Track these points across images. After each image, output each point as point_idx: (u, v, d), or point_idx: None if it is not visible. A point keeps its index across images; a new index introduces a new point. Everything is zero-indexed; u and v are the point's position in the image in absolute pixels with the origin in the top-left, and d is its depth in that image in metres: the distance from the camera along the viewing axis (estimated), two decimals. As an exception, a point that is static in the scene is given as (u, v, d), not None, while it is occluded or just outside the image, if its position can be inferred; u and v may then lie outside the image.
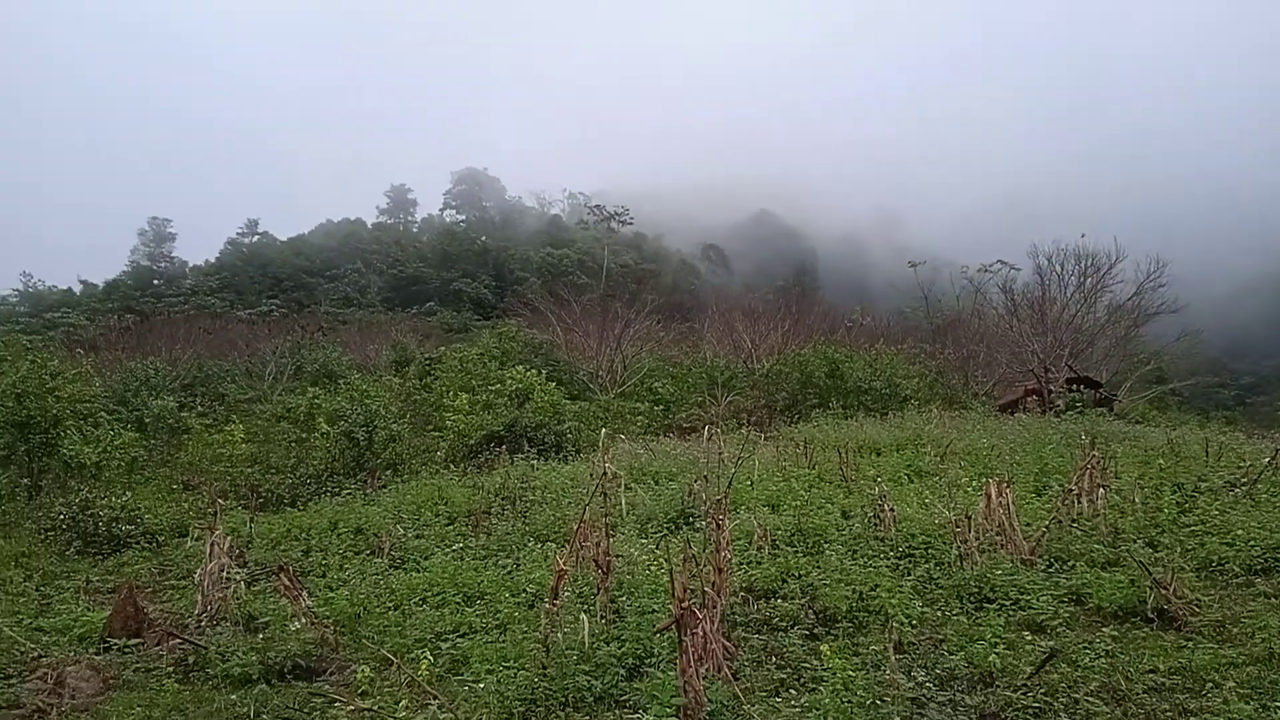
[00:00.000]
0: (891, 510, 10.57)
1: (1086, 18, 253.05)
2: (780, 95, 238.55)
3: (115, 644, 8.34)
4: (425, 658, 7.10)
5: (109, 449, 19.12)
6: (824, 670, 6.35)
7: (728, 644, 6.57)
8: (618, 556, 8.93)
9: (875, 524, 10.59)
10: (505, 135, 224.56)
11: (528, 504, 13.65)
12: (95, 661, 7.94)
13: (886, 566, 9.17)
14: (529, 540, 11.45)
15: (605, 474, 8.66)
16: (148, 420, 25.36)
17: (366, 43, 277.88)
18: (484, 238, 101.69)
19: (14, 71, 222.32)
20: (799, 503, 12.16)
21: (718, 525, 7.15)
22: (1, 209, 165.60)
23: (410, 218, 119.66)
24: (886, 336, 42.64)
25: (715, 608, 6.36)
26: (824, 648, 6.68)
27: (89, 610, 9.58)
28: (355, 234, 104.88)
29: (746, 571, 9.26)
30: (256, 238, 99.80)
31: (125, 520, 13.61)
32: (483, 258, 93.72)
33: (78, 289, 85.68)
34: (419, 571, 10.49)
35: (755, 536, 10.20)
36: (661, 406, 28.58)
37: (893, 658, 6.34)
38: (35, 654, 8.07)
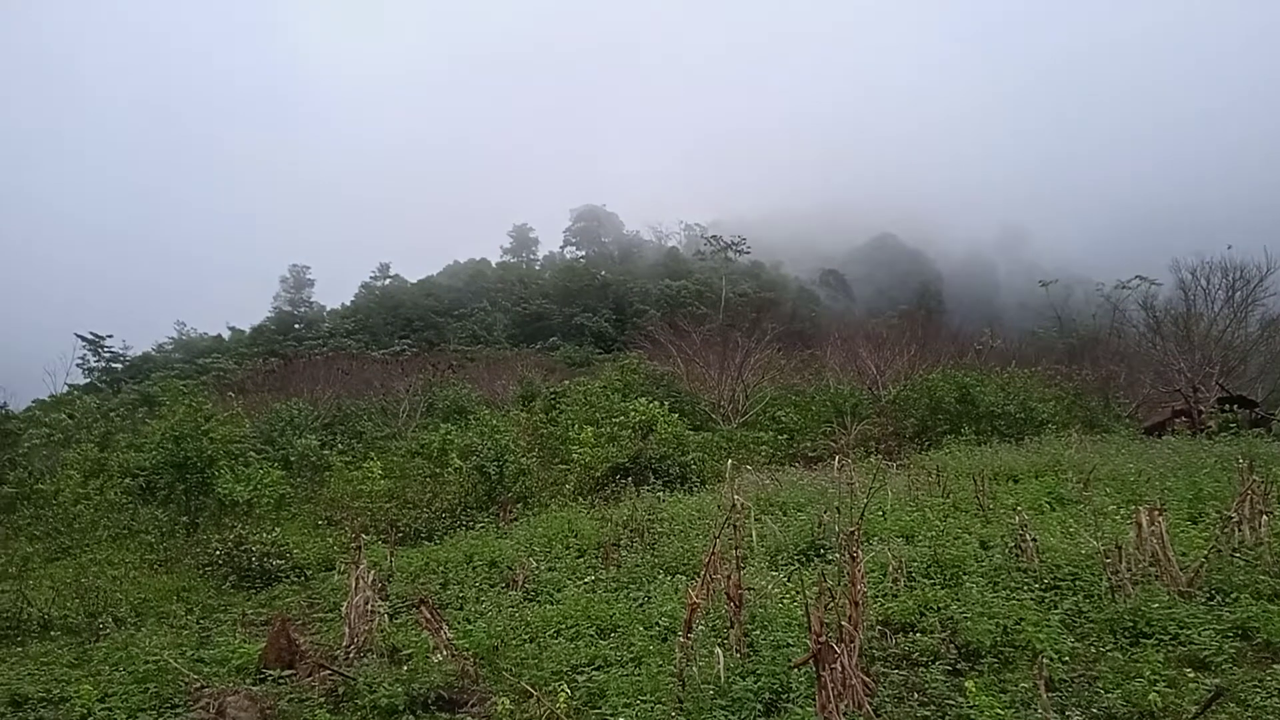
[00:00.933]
0: (1034, 540, 10.16)
1: (1225, 18, 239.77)
2: (899, 115, 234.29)
3: (270, 675, 8.74)
4: (563, 690, 7.22)
5: (259, 487, 20.19)
6: (970, 708, 6.16)
7: (867, 679, 6.43)
8: (749, 589, 8.87)
9: (1017, 554, 10.19)
10: (622, 170, 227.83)
11: (656, 536, 13.71)
12: (252, 692, 8.34)
13: (1031, 599, 8.80)
14: (658, 573, 11.49)
15: (734, 505, 8.65)
16: (292, 458, 26.60)
17: (489, 88, 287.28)
18: (603, 272, 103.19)
19: (165, 143, 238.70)
20: (934, 533, 11.83)
21: (852, 557, 7.03)
22: (159, 267, 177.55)
23: (532, 255, 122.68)
24: (1019, 358, 41.12)
25: (853, 642, 6.25)
26: (969, 684, 6.47)
27: (245, 642, 10.08)
28: (481, 273, 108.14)
29: (882, 604, 9.05)
30: (388, 280, 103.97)
31: (275, 555, 14.31)
32: (603, 292, 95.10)
33: (227, 335, 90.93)
34: (552, 604, 10.66)
35: (890, 568, 9.96)
36: (785, 436, 28.26)
37: (1044, 695, 6.08)
38: (198, 684, 8.52)
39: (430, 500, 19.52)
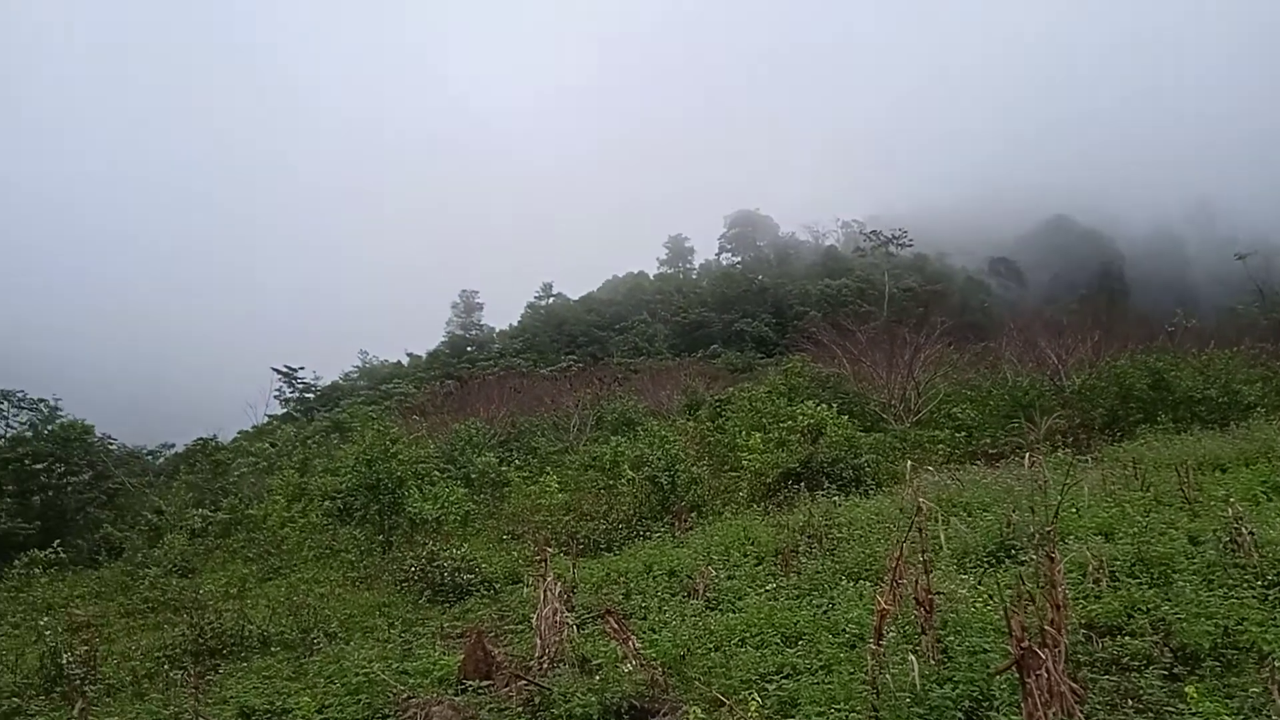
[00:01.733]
0: (1251, 533, 9.41)
1: None
2: (1069, 91, 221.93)
3: (470, 685, 9.11)
4: (753, 699, 7.19)
5: (445, 505, 21.14)
6: (1192, 715, 5.76)
7: (1075, 686, 6.11)
8: (939, 593, 8.60)
9: (1232, 550, 9.46)
10: (775, 174, 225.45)
11: (834, 541, 13.48)
12: (455, 702, 8.71)
13: (1253, 597, 8.15)
14: (840, 579, 11.29)
15: (918, 507, 8.42)
16: (473, 476, 27.70)
17: (638, 105, 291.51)
18: (761, 276, 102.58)
19: (344, 193, 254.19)
20: (1135, 529, 11.13)
21: (1049, 557, 6.71)
22: (340, 302, 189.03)
23: (689, 265, 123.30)
24: (1217, 338, 38.12)
25: (1057, 646, 5.96)
26: (1189, 689, 6.05)
27: (444, 654, 10.54)
28: (639, 286, 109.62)
29: (1084, 607, 8.59)
30: (551, 299, 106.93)
31: (465, 570, 14.91)
32: (761, 296, 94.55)
33: (405, 361, 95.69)
34: (735, 612, 10.65)
35: (1089, 568, 9.44)
36: (963, 433, 27.24)
37: (1278, 700, 5.62)
38: (405, 695, 8.98)
39: (606, 512, 19.88)
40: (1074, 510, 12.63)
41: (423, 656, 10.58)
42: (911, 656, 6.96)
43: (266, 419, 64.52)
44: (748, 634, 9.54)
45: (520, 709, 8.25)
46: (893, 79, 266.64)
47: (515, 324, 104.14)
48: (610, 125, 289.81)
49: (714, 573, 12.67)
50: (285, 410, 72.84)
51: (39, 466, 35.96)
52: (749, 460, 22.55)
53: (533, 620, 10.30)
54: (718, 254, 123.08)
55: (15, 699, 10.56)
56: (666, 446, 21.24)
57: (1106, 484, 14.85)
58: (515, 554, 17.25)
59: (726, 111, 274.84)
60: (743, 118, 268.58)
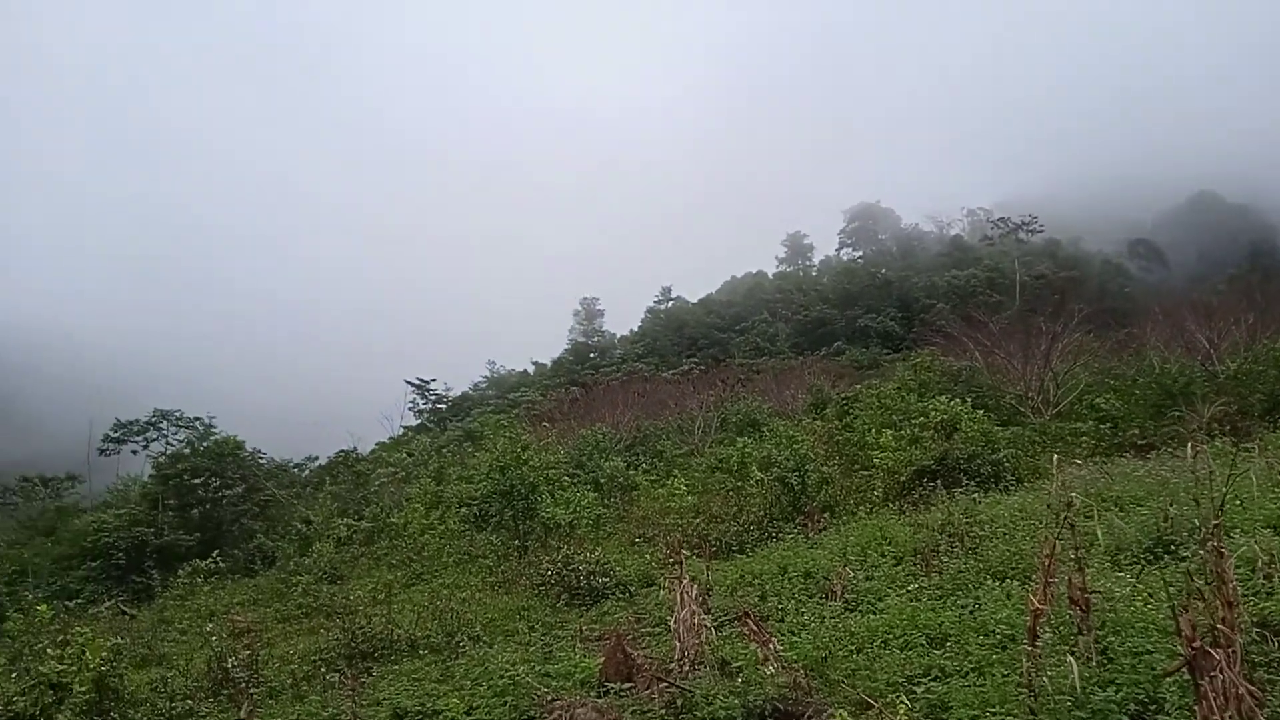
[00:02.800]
0: None
1: None
2: (1205, 58, 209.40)
3: (611, 688, 9.20)
4: (902, 702, 7.03)
5: (577, 509, 21.44)
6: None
7: (1252, 688, 5.74)
8: (1094, 592, 8.22)
9: None
10: (894, 166, 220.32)
11: (976, 539, 13.05)
12: (598, 704, 8.81)
13: None
14: (985, 578, 10.92)
15: (1068, 502, 8.06)
16: (602, 480, 28.00)
17: (754, 106, 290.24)
18: (883, 270, 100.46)
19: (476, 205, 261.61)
20: (1311, 521, 10.40)
21: (1219, 552, 6.31)
22: (468, 321, 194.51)
23: (808, 262, 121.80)
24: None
25: (1232, 646, 5.61)
26: (1384, 693, 5.60)
27: (584, 657, 10.67)
28: (759, 286, 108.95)
29: (1256, 604, 8.06)
30: (671, 303, 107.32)
31: (600, 573, 15.08)
32: (885, 291, 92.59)
33: (531, 370, 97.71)
34: (875, 613, 10.44)
35: (1259, 564, 8.85)
36: (1108, 424, 25.98)
37: None
38: (549, 697, 9.13)
39: (736, 514, 19.78)
40: (1238, 502, 11.87)
41: (564, 659, 10.74)
42: (1070, 658, 6.66)
43: (402, 430, 66.99)
44: (890, 635, 9.33)
45: (663, 711, 8.28)
46: (1011, 62, 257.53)
47: (636, 329, 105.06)
48: (725, 127, 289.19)
49: (851, 573, 12.45)
50: (419, 421, 75.28)
51: (197, 481, 38.20)
52: (881, 459, 22.06)
53: (670, 623, 10.32)
54: (838, 249, 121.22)
55: (188, 701, 11.21)
56: (794, 446, 20.98)
57: (1273, 473, 13.91)
58: (647, 557, 17.33)
59: (842, 108, 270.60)
60: (860, 115, 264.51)
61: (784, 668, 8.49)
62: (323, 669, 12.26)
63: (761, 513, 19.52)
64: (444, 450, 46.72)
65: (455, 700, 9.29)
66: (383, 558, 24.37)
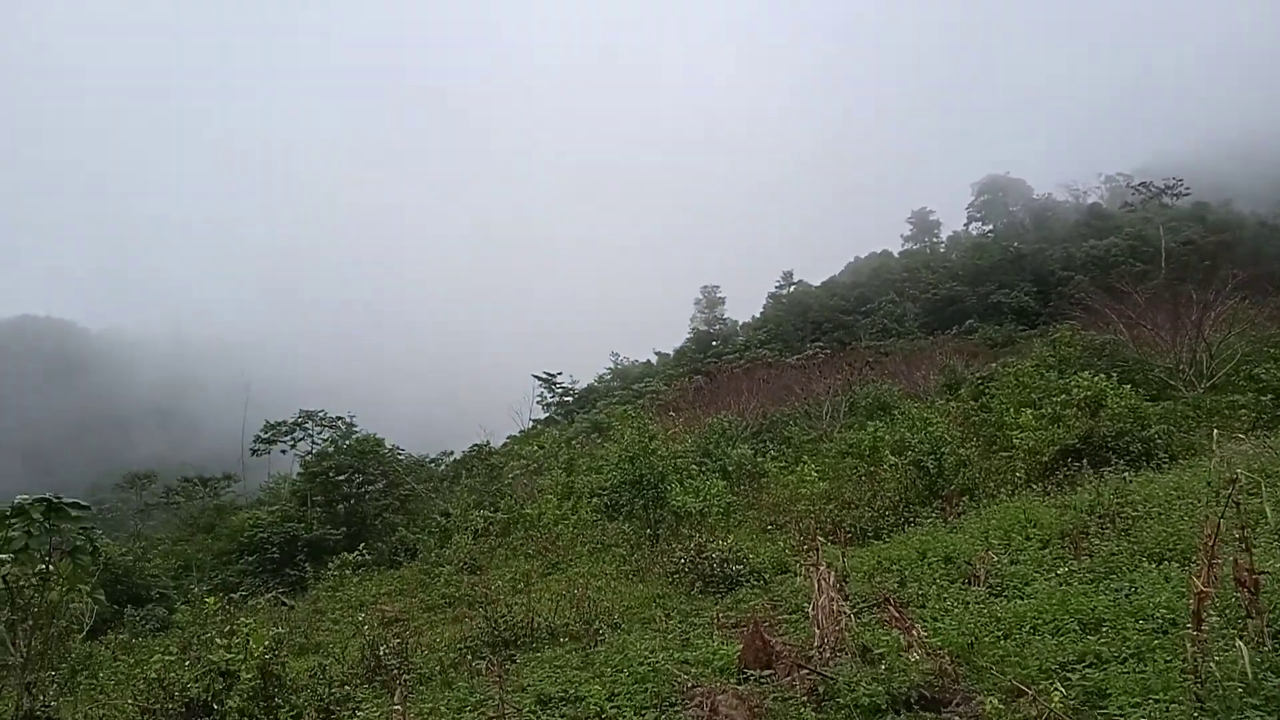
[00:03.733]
0: None
1: None
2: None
3: (750, 674, 9.18)
4: (1056, 689, 6.78)
5: (707, 497, 21.46)
6: None
7: None
8: (1262, 573, 7.72)
9: None
10: (1023, 136, 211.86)
11: (1129, 520, 12.45)
12: (739, 691, 8.81)
13: None
14: (1140, 560, 10.42)
15: (1232, 479, 7.59)
16: (730, 468, 27.94)
17: (877, 83, 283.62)
18: (1016, 244, 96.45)
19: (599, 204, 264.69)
20: None
21: None
22: (591, 316, 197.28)
23: (936, 239, 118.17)
24: None
25: None
26: None
27: (722, 644, 10.69)
28: (884, 266, 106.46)
29: None
30: (793, 287, 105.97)
31: (733, 561, 15.05)
32: (1018, 265, 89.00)
33: (654, 360, 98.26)
34: (1022, 598, 10.09)
35: None
36: (1269, 396, 24.35)
37: None
38: (690, 684, 9.18)
39: (870, 499, 19.44)
40: None
41: (701, 646, 10.77)
42: (1239, 642, 6.29)
43: (531, 423, 68.55)
44: (1040, 621, 9.01)
45: (804, 698, 8.21)
46: (1159, 31, 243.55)
47: (758, 315, 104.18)
48: (845, 107, 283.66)
49: (995, 558, 12.07)
50: (547, 414, 76.87)
51: (341, 478, 40.04)
52: (1021, 439, 21.29)
53: (807, 609, 10.24)
54: (966, 224, 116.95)
55: (345, 687, 11.73)
56: (929, 429, 20.45)
57: None
58: (780, 544, 17.20)
59: (970, 83, 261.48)
60: (988, 86, 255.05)
61: (928, 654, 8.30)
62: (468, 656, 12.65)
63: (896, 498, 19.12)
64: (573, 442, 47.60)
65: (597, 687, 9.44)
66: (519, 548, 24.96)
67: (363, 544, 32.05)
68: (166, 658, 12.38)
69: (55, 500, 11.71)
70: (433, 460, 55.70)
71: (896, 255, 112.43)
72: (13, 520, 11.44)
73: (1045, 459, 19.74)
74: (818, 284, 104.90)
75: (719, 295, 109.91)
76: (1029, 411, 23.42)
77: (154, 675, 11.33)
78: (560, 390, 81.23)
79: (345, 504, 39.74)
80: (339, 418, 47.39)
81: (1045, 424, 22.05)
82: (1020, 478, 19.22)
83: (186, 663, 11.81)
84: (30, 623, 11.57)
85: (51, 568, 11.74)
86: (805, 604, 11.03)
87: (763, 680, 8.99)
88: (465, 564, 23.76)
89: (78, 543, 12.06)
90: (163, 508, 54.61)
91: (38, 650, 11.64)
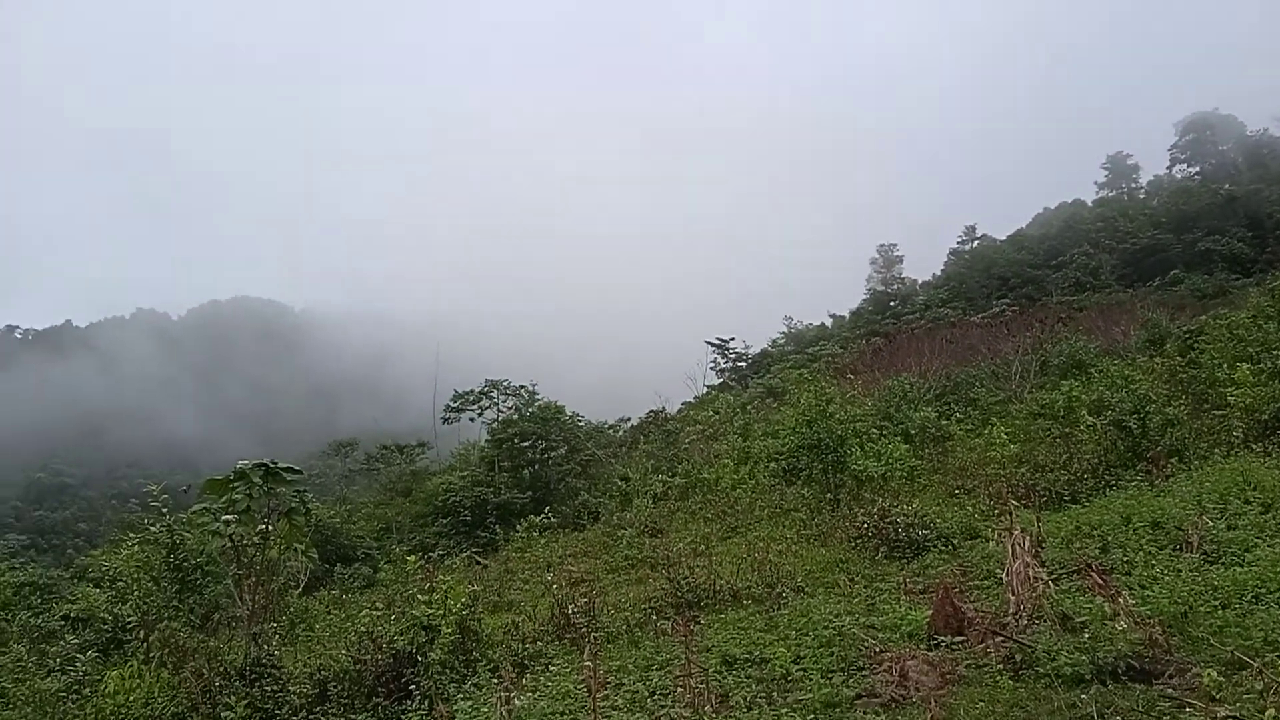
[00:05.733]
0: None
1: None
2: None
3: (941, 641, 8.92)
4: (1282, 662, 6.25)
5: (889, 461, 20.94)
6: None
7: None
8: None
9: None
10: (1233, 71, 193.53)
11: (1373, 482, 11.30)
12: (929, 656, 8.59)
13: None
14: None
15: None
16: (912, 431, 27.11)
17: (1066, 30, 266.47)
18: (1227, 186, 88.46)
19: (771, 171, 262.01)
20: None
21: None
22: (763, 280, 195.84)
23: (1134, 184, 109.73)
24: None
25: None
26: None
27: (909, 610, 10.43)
28: (1076, 215, 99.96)
29: None
30: (976, 242, 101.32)
31: (919, 525, 14.64)
32: (1229, 209, 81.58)
33: (829, 323, 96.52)
34: (1242, 566, 9.35)
35: None
36: None
37: None
38: (877, 649, 9.02)
39: (1066, 461, 18.42)
40: None
41: (888, 611, 10.55)
42: None
43: (705, 389, 68.82)
44: (1263, 590, 8.33)
45: (1000, 666, 7.90)
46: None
47: (938, 273, 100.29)
48: (1032, 54, 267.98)
49: (1210, 523, 11.20)
50: (721, 380, 76.92)
51: (525, 444, 41.57)
52: (1237, 396, 19.58)
53: (1000, 576, 9.85)
54: (1169, 167, 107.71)
55: (536, 643, 12.23)
56: (1130, 387, 19.16)
57: None
58: (969, 508, 16.58)
59: (1167, 14, 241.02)
60: (1188, 18, 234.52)
61: (1136, 623, 7.82)
62: (653, 616, 12.89)
63: (1095, 460, 18.03)
64: (748, 407, 47.44)
65: (782, 650, 9.42)
66: (698, 512, 25.17)
67: (548, 507, 33.22)
68: (374, 613, 13.26)
69: (272, 465, 12.69)
70: (611, 426, 56.91)
71: (1090, 204, 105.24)
72: (235, 484, 12.48)
73: (1265, 417, 18.10)
74: (1003, 238, 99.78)
75: (896, 254, 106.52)
76: (1245, 366, 21.48)
77: (363, 629, 12.15)
78: (733, 356, 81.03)
79: (530, 469, 41.25)
80: (522, 386, 49.08)
81: (1265, 380, 20.19)
82: (1237, 438, 17.74)
83: (392, 617, 12.59)
84: (253, 579, 12.64)
85: (270, 527, 12.76)
86: (997, 570, 10.61)
87: (954, 647, 8.73)
88: (646, 527, 24.18)
89: (293, 504, 13.03)
90: (364, 474, 58.34)
91: (261, 604, 12.70)
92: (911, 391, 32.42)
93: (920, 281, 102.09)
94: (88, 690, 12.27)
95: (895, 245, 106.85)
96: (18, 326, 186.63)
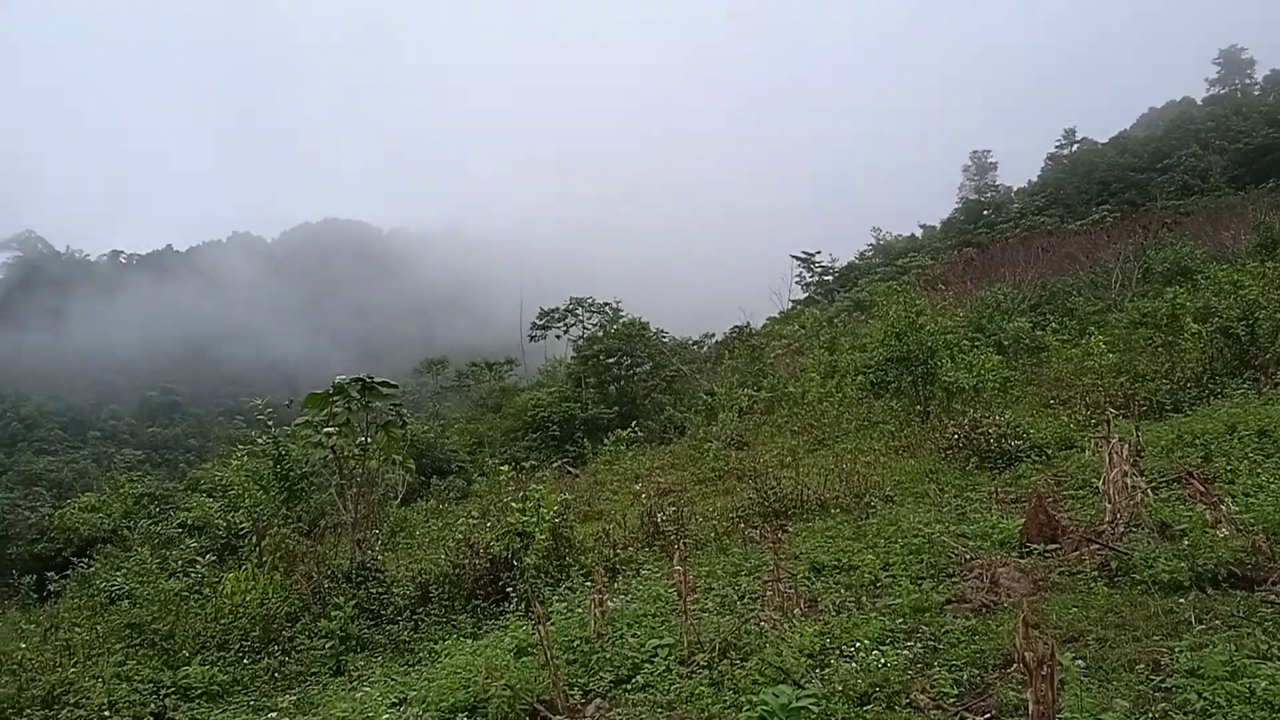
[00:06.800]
0: None
1: None
2: None
3: (1034, 549, 8.85)
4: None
5: (981, 373, 20.56)
6: None
7: None
8: None
9: None
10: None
11: None
12: (1021, 564, 8.53)
13: None
14: None
15: None
16: (1005, 343, 26.50)
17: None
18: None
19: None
20: None
21: None
22: (850, 191, 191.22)
23: (1248, 80, 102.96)
24: None
25: None
26: None
27: (1001, 519, 10.34)
28: (1184, 115, 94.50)
29: None
30: (1075, 146, 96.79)
31: (1011, 436, 14.41)
32: (1355, 102, 76.14)
33: (919, 234, 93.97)
34: (1358, 475, 9.00)
35: None
36: None
37: None
38: (967, 556, 8.99)
39: (1167, 371, 17.84)
40: None
41: (978, 520, 10.49)
42: None
43: (790, 304, 68.16)
44: (1382, 499, 8.01)
45: (1095, 573, 7.81)
46: None
47: (1034, 180, 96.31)
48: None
49: (1323, 431, 10.78)
50: (806, 294, 75.99)
51: (610, 360, 42.00)
52: (1359, 301, 18.62)
53: (1096, 485, 9.68)
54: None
55: (628, 549, 12.54)
56: (1240, 293, 18.33)
57: None
58: (1064, 419, 16.24)
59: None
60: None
61: (1238, 531, 7.62)
62: (741, 525, 13.08)
63: (1199, 369, 17.41)
64: (834, 321, 46.92)
65: (870, 557, 9.47)
66: (783, 425, 25.20)
67: (634, 422, 33.66)
68: (470, 521, 13.74)
69: (368, 380, 13.09)
70: (695, 342, 56.97)
71: (1199, 102, 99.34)
72: (334, 398, 12.93)
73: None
74: (1105, 141, 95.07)
75: (990, 161, 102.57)
76: (1367, 270, 20.38)
77: (461, 536, 12.62)
78: (819, 269, 79.69)
79: (616, 385, 41.76)
80: (606, 304, 49.33)
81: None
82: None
83: (488, 525, 13.03)
84: (354, 489, 13.17)
85: (369, 440, 13.24)
86: (1093, 479, 10.44)
87: (1047, 555, 8.65)
88: (732, 440, 24.34)
89: (389, 418, 13.46)
90: (455, 390, 59.76)
91: (363, 512, 13.26)
92: (1005, 302, 31.62)
93: (1015, 189, 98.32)
94: (207, 590, 13.05)
95: (989, 152, 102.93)
96: (122, 251, 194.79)
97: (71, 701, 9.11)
